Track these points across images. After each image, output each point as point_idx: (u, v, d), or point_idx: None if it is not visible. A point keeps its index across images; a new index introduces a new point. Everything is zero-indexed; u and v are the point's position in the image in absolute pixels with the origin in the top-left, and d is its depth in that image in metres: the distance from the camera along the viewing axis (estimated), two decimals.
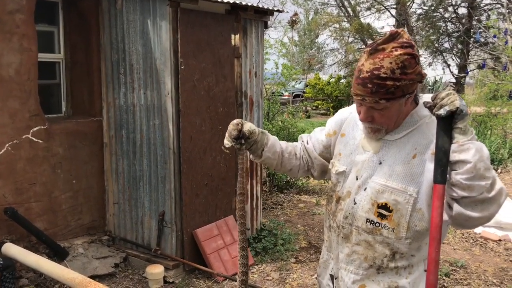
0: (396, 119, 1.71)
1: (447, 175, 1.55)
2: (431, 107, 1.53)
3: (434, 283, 1.57)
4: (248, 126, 1.87)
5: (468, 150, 1.49)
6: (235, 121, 1.85)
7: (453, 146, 1.52)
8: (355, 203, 1.81)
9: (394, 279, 1.79)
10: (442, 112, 1.49)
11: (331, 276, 1.96)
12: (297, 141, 2.15)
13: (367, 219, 1.77)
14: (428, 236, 1.70)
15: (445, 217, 1.62)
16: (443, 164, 1.53)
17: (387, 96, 1.60)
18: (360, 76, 1.63)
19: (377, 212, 1.75)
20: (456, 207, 1.56)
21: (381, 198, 1.73)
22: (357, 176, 1.82)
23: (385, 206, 1.73)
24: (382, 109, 1.65)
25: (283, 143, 2.02)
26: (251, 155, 2.01)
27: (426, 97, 1.78)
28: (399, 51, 1.57)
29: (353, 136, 1.90)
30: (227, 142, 1.87)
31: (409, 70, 1.58)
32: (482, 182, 1.49)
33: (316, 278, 2.17)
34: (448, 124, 1.52)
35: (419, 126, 1.72)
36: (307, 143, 2.07)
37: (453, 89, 16.99)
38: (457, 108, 1.48)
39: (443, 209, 1.56)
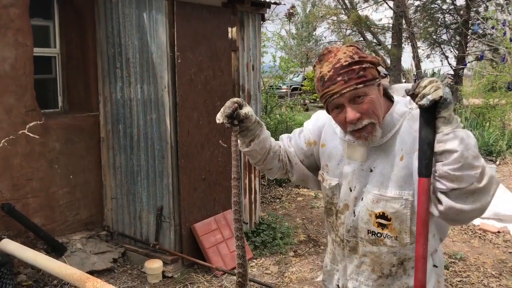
0: (381, 110, 1.64)
1: (433, 168, 1.49)
2: (413, 95, 1.46)
3: (423, 280, 1.51)
4: (246, 110, 1.73)
5: (454, 139, 1.42)
6: (235, 99, 1.73)
7: (438, 136, 1.44)
8: (354, 215, 1.76)
9: (404, 280, 1.76)
10: (425, 102, 1.41)
11: (338, 286, 1.94)
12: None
13: (368, 230, 1.72)
14: (431, 228, 1.68)
15: (436, 212, 1.54)
16: (428, 157, 1.47)
17: (361, 80, 1.56)
18: (326, 79, 1.59)
19: (376, 222, 1.70)
20: (446, 201, 1.47)
21: (377, 208, 1.68)
22: (350, 188, 1.76)
23: (383, 216, 1.68)
24: (363, 97, 1.57)
25: (273, 140, 1.92)
26: (239, 141, 1.86)
27: (398, 87, 1.76)
28: (344, 47, 1.62)
29: (335, 146, 1.82)
30: (219, 118, 1.74)
31: (363, 54, 1.59)
32: (472, 172, 1.42)
33: (322, 281, 2.12)
34: (431, 114, 1.46)
35: (401, 125, 1.66)
36: (289, 147, 1.96)
37: (451, 81, 16.98)
38: (440, 97, 1.41)
39: (429, 203, 1.50)
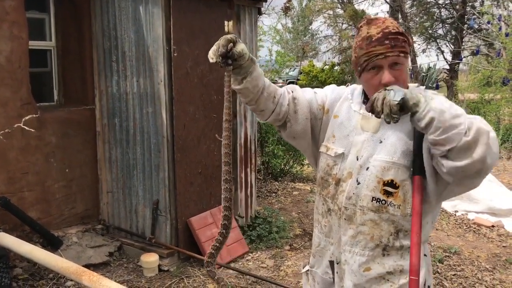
0: (407, 83, 1.79)
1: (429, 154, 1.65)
2: (377, 115, 1.60)
3: (417, 265, 1.65)
4: (240, 48, 1.69)
5: (428, 112, 1.53)
6: (228, 36, 1.70)
7: (416, 116, 1.56)
8: (358, 183, 1.81)
9: (399, 262, 1.81)
10: (386, 119, 1.56)
11: (331, 262, 1.95)
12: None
13: (373, 197, 1.78)
14: (430, 213, 1.81)
15: (444, 174, 1.63)
16: (420, 158, 1.66)
17: (403, 49, 1.72)
18: (374, 39, 1.71)
19: (383, 189, 1.77)
20: (446, 162, 1.59)
21: (387, 175, 1.76)
22: (357, 157, 1.82)
23: (391, 183, 1.76)
24: (400, 65, 1.72)
25: (267, 80, 1.88)
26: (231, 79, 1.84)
27: (412, 85, 1.87)
28: (390, 19, 1.79)
29: (348, 118, 1.89)
30: (212, 56, 1.72)
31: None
32: (455, 130, 1.52)
33: (306, 272, 2.11)
34: None
35: None
36: (306, 99, 1.94)
37: (446, 76, 16.98)
38: (390, 109, 1.53)
39: (423, 197, 1.67)
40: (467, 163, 1.55)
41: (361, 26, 1.79)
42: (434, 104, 1.55)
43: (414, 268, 1.65)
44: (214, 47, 1.70)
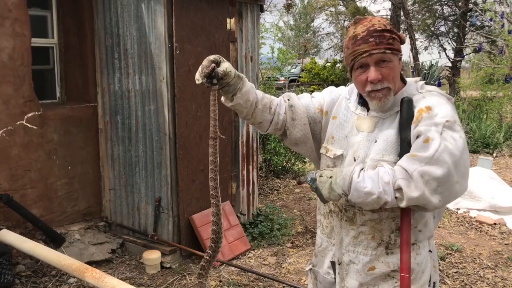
0: (397, 80, 1.78)
1: None
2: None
3: (408, 262, 1.67)
4: (224, 67, 1.75)
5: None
6: (211, 57, 1.75)
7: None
8: None
9: None
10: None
11: (333, 263, 1.95)
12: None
13: None
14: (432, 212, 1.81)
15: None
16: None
17: (390, 46, 1.70)
18: (359, 38, 1.72)
19: None
20: None
21: None
22: (354, 158, 1.82)
23: None
24: (387, 62, 1.71)
25: (259, 93, 1.92)
26: (222, 97, 1.90)
27: (411, 80, 1.87)
28: (378, 17, 1.77)
29: (346, 119, 1.90)
30: (198, 78, 1.79)
31: (394, 29, 1.76)
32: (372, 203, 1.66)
33: (309, 270, 2.13)
34: (409, 118, 1.70)
35: None
36: (302, 104, 1.97)
37: (448, 73, 16.94)
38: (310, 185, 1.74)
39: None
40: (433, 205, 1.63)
41: (349, 27, 1.80)
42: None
43: (405, 266, 1.65)
44: (199, 69, 1.76)
